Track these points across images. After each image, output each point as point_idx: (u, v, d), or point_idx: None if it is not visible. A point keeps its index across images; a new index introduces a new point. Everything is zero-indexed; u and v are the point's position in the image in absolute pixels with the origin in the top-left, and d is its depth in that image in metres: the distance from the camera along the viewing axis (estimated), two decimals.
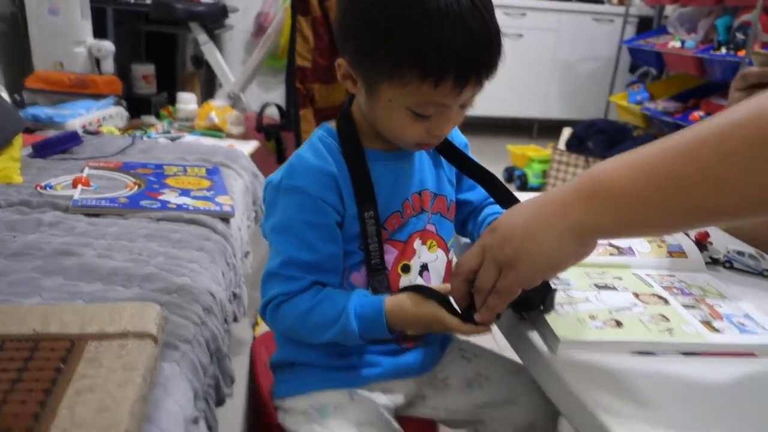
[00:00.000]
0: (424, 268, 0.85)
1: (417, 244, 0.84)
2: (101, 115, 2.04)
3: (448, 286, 0.76)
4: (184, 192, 1.36)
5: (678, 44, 3.34)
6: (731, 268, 1.00)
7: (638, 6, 4.47)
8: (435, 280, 0.86)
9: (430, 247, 0.86)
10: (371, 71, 0.73)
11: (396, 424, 0.85)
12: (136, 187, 1.36)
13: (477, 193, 0.92)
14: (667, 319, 0.77)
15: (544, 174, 3.37)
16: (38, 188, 1.31)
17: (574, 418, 0.65)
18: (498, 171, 3.73)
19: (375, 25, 0.69)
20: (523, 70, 4.57)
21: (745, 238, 1.09)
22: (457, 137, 0.90)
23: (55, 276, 0.94)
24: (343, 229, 0.79)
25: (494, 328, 0.77)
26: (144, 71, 2.82)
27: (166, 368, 0.75)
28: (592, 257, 0.92)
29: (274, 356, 0.91)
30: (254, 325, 1.93)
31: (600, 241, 0.97)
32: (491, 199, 0.91)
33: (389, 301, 0.76)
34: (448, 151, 0.87)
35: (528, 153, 3.51)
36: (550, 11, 4.56)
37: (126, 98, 2.50)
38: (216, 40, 3.76)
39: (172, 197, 1.31)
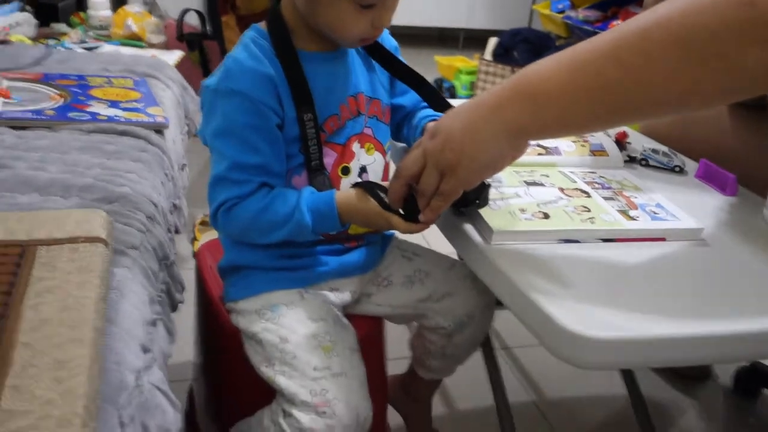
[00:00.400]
0: (363, 170, 0.89)
1: (356, 147, 0.87)
2: (7, 23, 1.89)
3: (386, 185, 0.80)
4: (113, 104, 1.31)
5: None
6: (647, 165, 1.09)
7: None
8: (374, 179, 0.90)
9: (368, 150, 0.89)
10: None
11: (345, 319, 0.91)
12: (61, 99, 1.30)
13: (410, 98, 0.95)
14: (589, 210, 0.85)
15: (472, 85, 3.42)
16: None
17: (509, 300, 0.72)
18: None
19: None
20: None
21: (658, 138, 1.19)
22: (388, 40, 0.92)
23: None
24: (282, 132, 0.81)
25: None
26: None
27: (118, 273, 0.77)
28: (522, 157, 1.00)
29: (222, 261, 0.93)
30: (193, 239, 1.94)
31: (530, 143, 1.04)
32: (424, 103, 0.94)
33: (339, 195, 0.79)
34: (379, 54, 0.89)
35: (456, 64, 3.52)
36: None
37: (30, 4, 2.31)
38: None
39: (101, 109, 1.27)
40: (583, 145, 1.05)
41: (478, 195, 0.81)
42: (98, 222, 0.75)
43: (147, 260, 0.86)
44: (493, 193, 0.86)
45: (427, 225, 0.77)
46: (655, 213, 0.86)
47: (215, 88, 0.78)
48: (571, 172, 0.98)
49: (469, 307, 0.99)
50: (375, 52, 0.89)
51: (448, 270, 1.00)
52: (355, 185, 0.80)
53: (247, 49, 0.80)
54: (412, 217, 0.77)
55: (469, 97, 3.45)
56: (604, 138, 1.09)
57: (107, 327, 0.66)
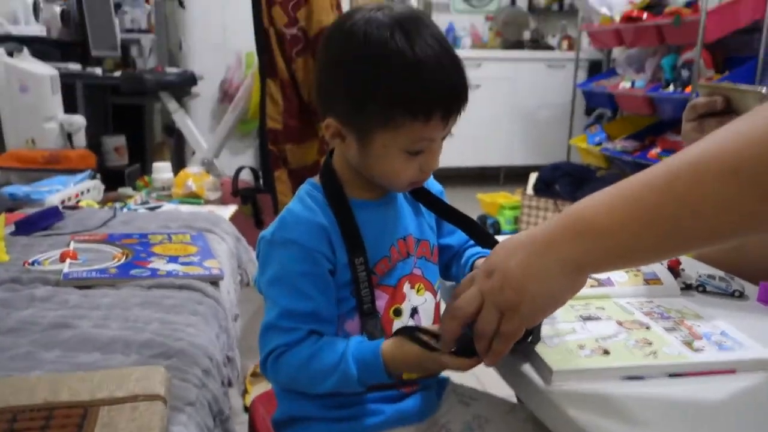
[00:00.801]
0: (414, 311, 0.89)
1: (406, 287, 0.88)
2: (78, 190, 2.06)
3: (436, 327, 0.79)
4: (172, 259, 1.38)
5: (628, 84, 3.51)
6: (704, 291, 1.05)
7: (587, 50, 4.71)
8: (425, 322, 0.90)
9: (418, 291, 0.90)
10: (364, 123, 0.79)
11: None
12: (124, 257, 1.37)
13: (457, 237, 0.97)
14: (651, 343, 0.82)
15: (516, 220, 3.46)
16: (26, 265, 1.32)
17: None
18: None
19: (362, 81, 0.77)
20: (483, 120, 4.72)
21: (712, 263, 1.16)
22: (433, 185, 0.96)
23: (53, 349, 0.95)
24: (334, 278, 0.83)
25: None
26: (115, 143, 2.85)
27: (175, 431, 0.77)
28: None
29: (276, 414, 0.92)
30: (243, 392, 1.92)
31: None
32: (471, 242, 0.96)
33: (386, 343, 0.79)
34: (426, 199, 0.93)
35: (498, 200, 3.60)
36: (505, 60, 4.76)
37: (99, 171, 2.52)
38: (184, 108, 3.85)
39: (161, 264, 1.33)
40: (636, 275, 1.04)
41: (531, 331, 0.79)
42: (157, 379, 0.76)
43: (202, 416, 0.85)
44: (548, 329, 0.85)
45: (479, 360, 0.75)
46: (721, 343, 0.82)
47: (270, 239, 0.82)
48: (628, 303, 0.96)
49: None
50: (421, 196, 0.93)
51: (508, 414, 0.96)
52: (396, 332, 0.79)
53: (302, 202, 0.84)
54: (465, 353, 0.75)
55: (514, 231, 3.48)
56: (656, 266, 1.07)
57: None
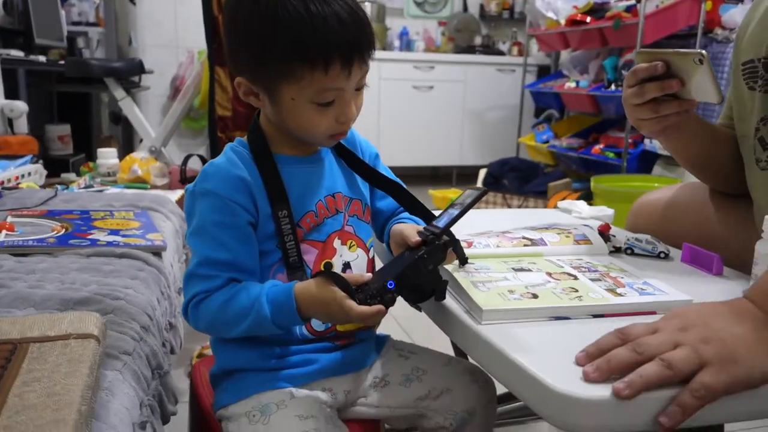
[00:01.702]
0: (347, 266, 0.91)
1: (337, 243, 0.90)
2: (19, 173, 2.01)
3: (367, 275, 0.81)
4: (114, 232, 1.36)
5: (573, 85, 3.63)
6: (632, 254, 1.11)
7: (536, 56, 4.83)
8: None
9: (350, 247, 0.92)
10: (267, 77, 0.81)
11: (339, 420, 0.89)
12: (63, 230, 1.35)
13: (388, 203, 0.99)
14: (577, 290, 0.86)
15: None
16: None
17: (501, 374, 0.71)
18: None
19: (258, 36, 0.78)
20: (436, 121, 4.80)
21: (641, 231, 1.22)
22: (367, 147, 0.99)
23: None
24: (258, 229, 0.84)
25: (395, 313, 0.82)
26: (60, 132, 2.79)
27: (109, 375, 0.77)
28: (508, 249, 1.03)
29: (213, 368, 0.92)
30: (190, 373, 1.89)
31: (514, 236, 1.07)
32: (401, 208, 0.98)
33: (299, 285, 0.80)
34: (351, 160, 0.95)
35: (449, 195, 3.66)
36: (456, 64, 4.84)
37: (42, 159, 2.46)
38: (136, 99, 3.78)
39: (101, 236, 1.31)
40: (567, 236, 1.08)
41: (435, 287, 0.82)
42: (91, 321, 0.76)
43: (139, 366, 0.85)
44: (481, 276, 0.88)
45: (381, 311, 0.77)
46: (642, 289, 0.87)
47: (192, 190, 0.84)
48: (558, 260, 1.00)
49: (470, 403, 0.96)
50: (347, 157, 0.94)
51: (446, 365, 0.99)
52: (317, 273, 0.80)
53: (225, 155, 0.86)
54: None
55: None
56: (586, 229, 1.12)
57: (95, 424, 0.65)
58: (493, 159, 4.41)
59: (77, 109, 3.40)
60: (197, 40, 2.92)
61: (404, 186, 0.96)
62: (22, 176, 2.01)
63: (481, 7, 5.41)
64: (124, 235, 1.34)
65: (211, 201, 0.82)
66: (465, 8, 5.39)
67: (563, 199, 3.07)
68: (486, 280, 0.88)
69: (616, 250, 1.11)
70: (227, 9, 0.86)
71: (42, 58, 2.79)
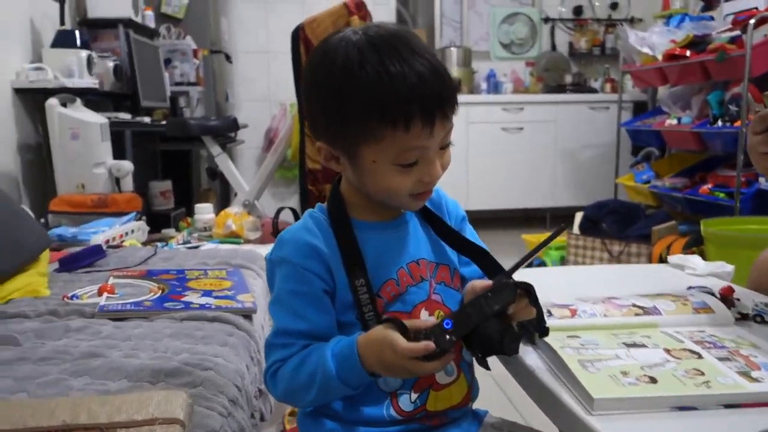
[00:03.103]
0: None
1: (424, 315, 0.83)
2: (123, 230, 2.10)
3: (431, 320, 0.76)
4: (207, 293, 1.38)
5: (674, 121, 3.43)
6: (762, 322, 0.98)
7: (631, 92, 4.64)
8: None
9: (438, 318, 0.85)
10: (347, 140, 0.78)
11: None
12: (160, 291, 1.38)
13: (473, 270, 0.92)
14: (703, 373, 0.75)
15: (563, 260, 3.37)
16: (65, 299, 1.34)
17: None
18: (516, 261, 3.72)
19: (335, 98, 0.76)
20: (527, 162, 4.68)
21: None
22: (455, 209, 0.93)
23: (82, 376, 0.95)
24: (336, 299, 0.80)
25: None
26: (161, 188, 2.92)
27: None
28: (617, 318, 0.93)
29: None
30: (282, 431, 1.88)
31: (623, 302, 0.97)
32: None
33: (362, 334, 0.75)
34: (435, 224, 0.89)
35: (542, 240, 3.52)
36: (546, 104, 4.73)
37: (147, 214, 2.59)
38: (228, 155, 3.94)
39: (194, 298, 1.33)
40: (684, 304, 0.97)
41: (504, 336, 0.73)
42: (178, 403, 0.74)
43: None
44: (589, 354, 0.79)
45: (449, 355, 0.71)
46: None
47: (270, 258, 0.82)
48: (676, 332, 0.89)
49: None
50: (431, 220, 0.89)
51: None
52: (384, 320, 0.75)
53: (302, 222, 0.84)
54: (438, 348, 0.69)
55: None
56: (706, 296, 1.00)
57: None
58: (589, 200, 4.23)
59: (179, 165, 3.58)
60: (289, 93, 3.01)
61: (489, 252, 0.90)
62: (126, 234, 2.10)
63: (570, 45, 5.29)
64: (216, 297, 1.35)
65: (286, 269, 0.80)
66: (553, 47, 5.29)
67: (670, 244, 2.87)
68: (595, 359, 0.79)
69: (743, 317, 0.99)
70: (304, 73, 0.84)
71: (147, 119, 2.96)
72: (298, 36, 2.29)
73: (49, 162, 2.56)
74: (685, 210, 3.40)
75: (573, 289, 1.05)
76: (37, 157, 2.70)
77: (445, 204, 0.93)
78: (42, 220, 2.43)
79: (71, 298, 1.34)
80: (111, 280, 1.45)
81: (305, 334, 0.79)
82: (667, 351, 0.82)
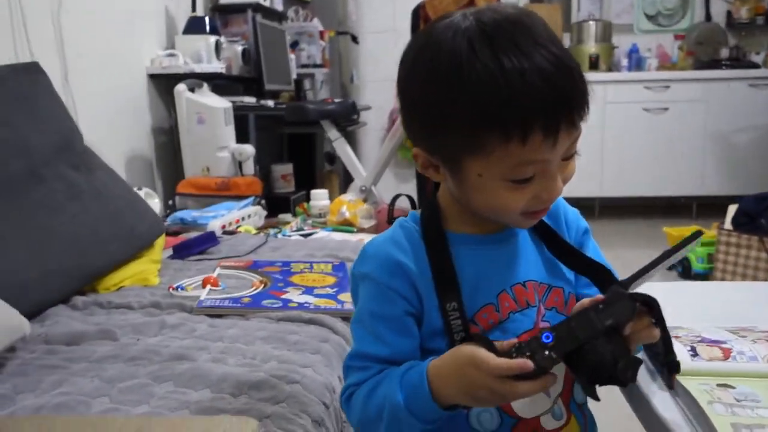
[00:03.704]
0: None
1: None
2: (240, 215, 2.12)
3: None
4: (308, 290, 1.32)
5: None
6: None
7: None
8: (553, 390, 0.71)
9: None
10: (448, 150, 0.64)
11: None
12: (262, 285, 1.34)
13: (595, 292, 0.76)
14: None
15: (710, 258, 3.01)
16: (171, 289, 1.34)
17: None
18: (656, 256, 3.39)
19: (436, 99, 0.62)
20: (671, 146, 4.25)
21: None
22: (575, 221, 0.78)
23: (165, 382, 0.91)
24: (423, 323, 0.69)
25: None
26: (283, 171, 2.95)
27: None
28: None
29: None
30: None
31: None
32: None
33: (436, 359, 0.64)
34: (553, 243, 0.74)
35: (687, 234, 3.16)
36: (696, 81, 4.25)
37: (267, 197, 2.61)
38: (350, 137, 3.92)
39: (294, 295, 1.28)
40: None
41: (615, 362, 0.57)
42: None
43: None
44: (745, 416, 0.62)
45: (551, 376, 0.58)
46: None
47: (352, 272, 0.73)
48: None
49: None
50: (544, 234, 0.74)
51: None
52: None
53: (390, 232, 0.73)
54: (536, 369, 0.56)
55: (707, 271, 3.02)
56: None
57: None
58: (745, 189, 3.76)
59: (304, 147, 3.61)
60: None
61: (615, 273, 0.73)
62: (243, 219, 2.11)
63: (728, 14, 4.70)
64: (317, 295, 1.29)
65: (368, 287, 0.70)
66: (708, 17, 4.74)
67: None
68: (755, 424, 0.61)
69: None
70: (401, 63, 0.69)
71: (270, 103, 2.98)
72: (418, 14, 2.17)
73: (178, 145, 2.65)
74: None
75: (724, 313, 0.86)
76: (170, 141, 2.81)
77: (564, 214, 0.78)
78: (170, 202, 2.53)
79: (177, 288, 1.34)
80: (217, 271, 1.44)
81: (384, 359, 0.69)
82: None
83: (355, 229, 2.10)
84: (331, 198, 2.50)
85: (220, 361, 0.98)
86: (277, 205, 2.69)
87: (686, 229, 3.30)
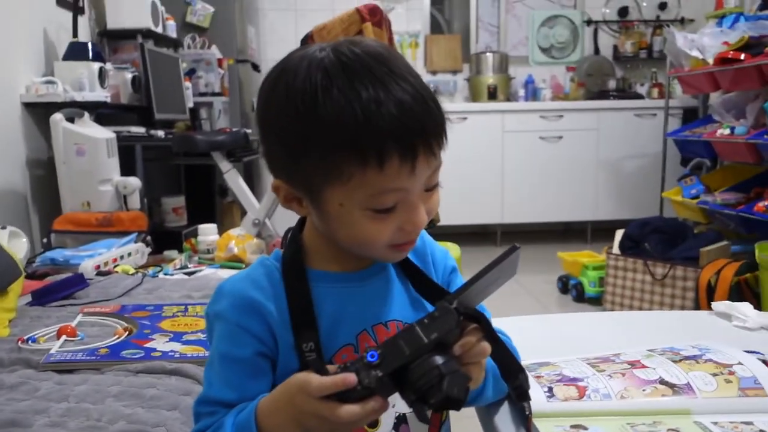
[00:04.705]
0: (402, 420, 0.67)
1: None
2: (120, 253, 1.98)
3: None
4: (176, 336, 1.23)
5: (727, 131, 3.14)
6: None
7: (680, 98, 4.34)
8: None
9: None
10: (307, 179, 0.62)
11: None
12: (126, 333, 1.24)
13: None
14: None
15: (601, 281, 3.12)
16: (20, 342, 1.21)
17: None
18: (551, 281, 3.49)
19: (294, 126, 0.60)
20: (566, 173, 4.44)
21: None
22: (442, 260, 0.75)
23: None
24: (279, 365, 0.65)
25: None
26: (174, 204, 2.82)
27: None
28: (640, 400, 0.73)
29: None
30: None
31: (650, 377, 0.77)
32: None
33: (267, 395, 0.60)
34: (418, 282, 0.71)
35: (581, 260, 3.27)
36: (588, 111, 4.47)
37: (156, 232, 2.47)
38: (249, 167, 3.82)
39: (160, 343, 1.18)
40: (728, 381, 0.76)
41: (441, 379, 0.53)
42: None
43: None
44: None
45: (352, 381, 0.53)
46: None
47: (206, 312, 0.68)
48: (714, 424, 0.69)
49: None
50: (412, 276, 0.71)
51: None
52: None
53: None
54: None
55: (599, 294, 3.13)
56: (760, 368, 0.79)
57: None
58: (634, 214, 3.96)
59: (202, 179, 3.48)
60: None
61: (487, 315, 0.71)
62: (122, 257, 1.98)
63: (615, 48, 5.00)
64: (185, 342, 1.20)
65: (220, 327, 0.65)
66: (596, 50, 5.02)
67: (720, 269, 2.60)
68: None
69: None
70: (259, 93, 0.67)
71: (161, 133, 2.86)
72: (307, 44, 2.14)
73: (55, 178, 2.47)
74: (739, 229, 3.10)
75: (592, 343, 0.86)
76: (47, 174, 2.62)
77: (431, 254, 0.75)
78: (44, 240, 2.35)
79: (27, 341, 1.21)
80: (78, 318, 1.32)
81: (232, 403, 0.64)
82: None
83: (244, 266, 2.01)
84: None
85: (58, 425, 0.88)
86: (167, 241, 2.55)
87: (580, 254, 3.42)
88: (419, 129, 0.58)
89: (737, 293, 2.47)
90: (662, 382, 0.76)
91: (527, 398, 0.61)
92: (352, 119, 0.57)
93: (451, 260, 0.77)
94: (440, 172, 0.65)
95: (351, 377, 0.53)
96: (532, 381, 0.75)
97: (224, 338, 0.65)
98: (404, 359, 0.53)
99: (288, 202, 0.66)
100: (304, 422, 0.56)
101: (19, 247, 1.92)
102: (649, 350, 0.85)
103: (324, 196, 0.61)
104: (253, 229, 2.38)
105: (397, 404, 0.67)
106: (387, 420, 0.66)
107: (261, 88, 0.66)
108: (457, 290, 0.57)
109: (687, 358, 0.80)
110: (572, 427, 0.69)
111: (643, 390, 0.74)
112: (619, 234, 3.09)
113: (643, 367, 0.79)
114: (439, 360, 0.54)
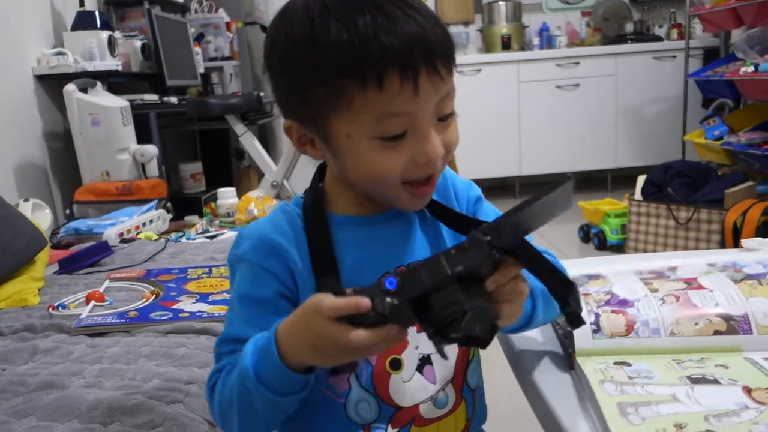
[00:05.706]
0: (426, 361, 0.67)
1: (411, 331, 0.65)
2: (141, 221, 1.99)
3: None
4: (203, 297, 1.23)
5: (751, 69, 3.05)
6: None
7: (701, 38, 4.21)
8: (441, 378, 0.67)
9: None
10: (313, 112, 0.61)
11: None
12: (153, 296, 1.24)
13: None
14: None
15: (623, 228, 3.08)
16: (51, 309, 1.22)
17: None
18: (572, 231, 3.46)
19: (297, 59, 0.60)
20: (584, 121, 4.35)
21: None
22: (464, 191, 0.74)
23: (28, 417, 0.81)
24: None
25: None
26: (192, 170, 2.81)
27: None
28: (690, 338, 0.69)
29: None
30: None
31: (705, 303, 0.72)
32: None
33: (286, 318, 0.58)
34: (449, 219, 0.70)
35: (602, 207, 3.23)
36: (605, 56, 4.35)
37: (175, 199, 2.48)
38: (264, 130, 3.79)
39: (187, 305, 1.19)
40: None
41: (463, 314, 0.50)
42: None
43: None
44: (635, 393, 0.59)
45: (366, 305, 0.50)
46: None
47: (228, 260, 0.69)
48: (765, 360, 0.67)
49: None
50: (440, 212, 0.70)
51: None
52: None
53: (270, 216, 0.69)
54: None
55: (622, 242, 3.09)
56: None
57: None
58: (656, 160, 3.88)
59: (218, 144, 3.46)
60: None
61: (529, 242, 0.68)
62: (144, 224, 1.98)
63: None
64: (212, 302, 1.20)
65: (242, 269, 0.66)
66: None
67: (746, 210, 2.55)
68: (642, 401, 0.58)
69: None
70: (264, 40, 0.67)
71: (174, 100, 2.83)
72: None
73: (73, 150, 2.47)
74: (764, 168, 3.03)
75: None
76: (65, 146, 2.62)
77: (452, 186, 0.73)
78: (67, 211, 2.36)
79: (58, 308, 1.22)
80: (105, 284, 1.33)
81: None
82: (748, 391, 0.60)
83: None
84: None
85: (94, 386, 0.89)
86: (187, 207, 2.55)
87: (600, 202, 3.37)
88: (419, 45, 0.57)
89: (764, 234, 2.43)
90: (718, 314, 0.71)
91: (581, 322, 0.57)
92: (351, 43, 0.56)
93: (475, 190, 0.75)
94: (457, 126, 0.63)
95: (364, 301, 0.51)
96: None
97: (245, 279, 0.65)
98: (423, 289, 0.50)
99: (302, 146, 0.66)
100: (317, 343, 0.54)
101: (42, 219, 1.93)
102: (709, 264, 0.81)
103: (331, 129, 0.61)
104: (272, 190, 2.37)
105: (421, 345, 0.66)
106: (410, 361, 0.66)
107: (267, 33, 0.66)
108: (495, 221, 0.54)
109: (750, 276, 0.76)
110: (615, 363, 0.67)
111: (696, 324, 0.70)
112: (641, 180, 3.04)
113: (700, 287, 0.74)
114: (464, 294, 0.51)
